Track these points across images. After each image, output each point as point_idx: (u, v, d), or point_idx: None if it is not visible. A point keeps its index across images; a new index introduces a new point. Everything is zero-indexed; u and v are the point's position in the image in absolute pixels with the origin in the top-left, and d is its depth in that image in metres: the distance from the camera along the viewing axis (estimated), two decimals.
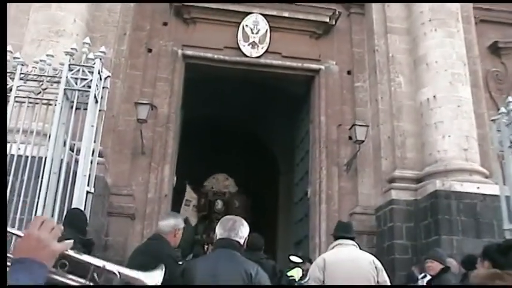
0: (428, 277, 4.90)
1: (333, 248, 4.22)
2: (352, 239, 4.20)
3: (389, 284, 4.10)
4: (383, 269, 4.10)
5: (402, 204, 8.82)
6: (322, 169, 10.20)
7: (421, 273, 6.49)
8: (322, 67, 10.86)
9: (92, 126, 5.05)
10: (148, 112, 9.37)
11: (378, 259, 4.21)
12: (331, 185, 10.09)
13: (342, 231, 4.26)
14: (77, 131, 5.26)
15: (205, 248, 14.47)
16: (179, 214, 3.74)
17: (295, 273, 8.08)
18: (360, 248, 4.35)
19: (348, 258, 4.07)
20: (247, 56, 10.63)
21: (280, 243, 15.23)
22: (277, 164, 16.78)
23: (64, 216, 4.27)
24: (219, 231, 2.91)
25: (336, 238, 4.23)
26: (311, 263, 8.41)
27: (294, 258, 8.61)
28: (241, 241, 2.89)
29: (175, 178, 10.39)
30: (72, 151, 5.49)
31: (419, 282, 6.15)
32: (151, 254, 3.26)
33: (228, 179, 17.55)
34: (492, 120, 7.74)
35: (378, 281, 3.99)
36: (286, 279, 7.93)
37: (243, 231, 2.91)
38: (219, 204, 17.44)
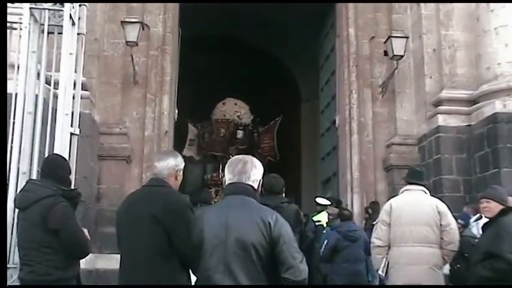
0: (484, 220, 4.88)
1: (402, 193, 5.17)
2: (422, 185, 5.11)
3: (453, 226, 4.92)
4: (448, 212, 4.94)
5: (451, 131, 8.72)
6: (352, 92, 10.17)
7: (475, 215, 6.44)
8: None
9: (71, 53, 4.90)
10: (139, 33, 9.21)
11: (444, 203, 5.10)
12: (364, 111, 10.08)
13: (410, 177, 5.21)
14: (53, 60, 5.11)
15: (216, 192, 14.60)
16: (176, 152, 3.65)
17: (323, 218, 8.19)
18: (431, 194, 5.21)
19: (411, 203, 5.00)
20: None
21: (305, 182, 15.42)
22: (299, 88, 16.65)
23: (42, 165, 4.23)
24: (228, 176, 2.91)
25: (407, 183, 5.19)
26: (339, 205, 8.58)
27: (320, 200, 8.74)
28: (255, 185, 2.89)
29: (176, 111, 10.40)
30: (49, 85, 5.39)
31: (473, 226, 6.12)
32: (164, 206, 3.20)
33: (237, 104, 17.14)
34: None
35: (441, 224, 4.86)
36: (312, 225, 8.07)
37: (255, 173, 2.90)
38: (206, 137, 17.03)
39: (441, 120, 8.83)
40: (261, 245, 2.65)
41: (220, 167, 15.24)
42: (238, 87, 16.60)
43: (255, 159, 2.96)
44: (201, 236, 2.75)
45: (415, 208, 4.94)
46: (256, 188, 2.90)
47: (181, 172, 3.49)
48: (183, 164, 3.50)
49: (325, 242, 7.16)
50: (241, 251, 2.65)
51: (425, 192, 5.10)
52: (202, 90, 15.48)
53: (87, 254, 4.08)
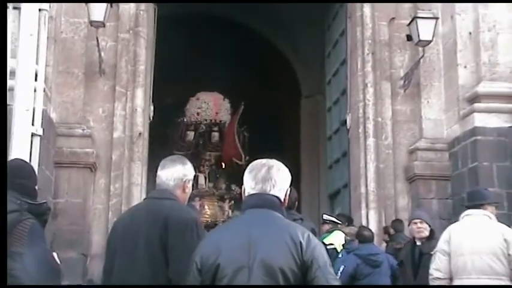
0: None
1: (462, 218, 5.63)
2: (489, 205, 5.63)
3: None
4: None
5: (491, 133, 8.71)
6: (367, 86, 10.17)
7: None
8: None
9: (31, 35, 4.88)
10: (107, 10, 9.13)
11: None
12: (382, 110, 10.09)
13: (470, 200, 5.77)
14: (8, 43, 5.11)
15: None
16: (185, 158, 3.69)
17: (336, 240, 8.20)
18: (499, 220, 5.64)
19: (473, 230, 5.44)
20: None
21: (306, 197, 15.41)
22: (298, 81, 16.64)
23: None
24: (249, 184, 2.92)
25: (466, 207, 5.70)
26: (351, 224, 8.58)
27: (329, 218, 8.79)
28: (281, 195, 2.92)
29: (152, 108, 10.39)
30: None
31: None
32: (169, 226, 3.27)
33: (199, 99, 16.77)
34: None
35: (508, 254, 5.20)
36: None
37: (282, 180, 2.93)
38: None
39: (478, 120, 8.82)
40: (291, 270, 2.64)
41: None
42: (221, 79, 16.57)
43: (281, 164, 2.98)
44: (216, 259, 2.72)
45: (478, 235, 5.36)
46: (283, 199, 2.92)
47: (191, 184, 3.52)
48: (193, 174, 3.52)
49: (341, 268, 7.15)
50: (268, 276, 2.64)
51: (490, 218, 5.49)
52: (182, 82, 15.43)
53: (59, 284, 4.05)
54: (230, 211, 14.58)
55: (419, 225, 6.75)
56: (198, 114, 15.89)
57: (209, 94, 16.08)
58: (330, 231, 8.43)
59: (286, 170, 2.98)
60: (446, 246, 5.44)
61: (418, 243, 6.74)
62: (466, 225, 5.52)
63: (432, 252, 5.92)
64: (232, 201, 14.83)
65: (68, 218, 8.84)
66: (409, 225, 7.10)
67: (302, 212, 14.90)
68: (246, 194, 2.92)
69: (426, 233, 6.69)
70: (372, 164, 9.86)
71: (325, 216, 9.01)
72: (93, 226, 9.16)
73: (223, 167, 15.52)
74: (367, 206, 9.73)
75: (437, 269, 5.47)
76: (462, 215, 5.64)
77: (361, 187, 9.88)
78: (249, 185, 2.91)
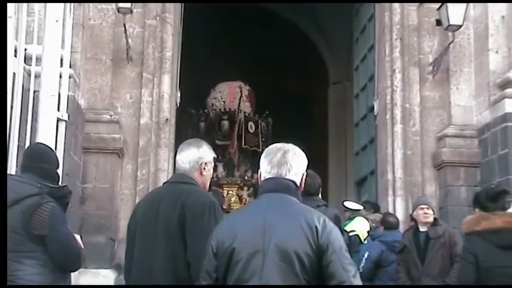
0: None
1: None
2: None
3: None
4: None
5: None
6: (395, 72, 10.09)
7: None
8: None
9: (57, 21, 4.93)
10: None
11: None
12: (410, 96, 10.00)
13: None
14: (33, 30, 5.18)
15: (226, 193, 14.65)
16: (202, 141, 3.70)
17: (358, 226, 8.16)
18: None
19: None
20: None
21: (333, 183, 15.43)
22: (326, 67, 16.59)
23: (22, 156, 4.25)
24: (264, 168, 2.95)
25: None
26: (377, 211, 8.54)
27: (350, 204, 8.78)
28: (297, 179, 2.94)
29: (179, 94, 10.42)
30: (25, 61, 5.43)
31: None
32: (184, 206, 3.32)
33: (215, 90, 16.71)
34: None
35: None
36: (346, 236, 8.03)
37: (298, 164, 2.96)
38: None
39: (510, 105, 8.69)
40: (306, 254, 2.66)
41: None
42: (248, 67, 16.58)
43: (297, 148, 2.99)
44: (231, 243, 2.75)
45: None
46: (298, 184, 2.94)
47: (210, 166, 3.56)
48: (212, 156, 3.56)
49: (365, 255, 7.13)
50: (282, 261, 2.66)
51: None
52: (206, 68, 15.49)
53: (79, 267, 4.11)
54: (248, 198, 14.65)
55: (426, 211, 6.79)
56: (213, 104, 16.04)
57: (226, 84, 16.16)
58: (351, 218, 8.40)
59: (302, 154, 2.99)
60: None
61: (422, 228, 6.78)
62: None
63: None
64: (251, 189, 14.89)
65: (96, 203, 8.92)
66: (413, 211, 7.09)
67: (329, 198, 15.01)
68: (262, 179, 2.94)
69: (431, 219, 6.74)
70: (399, 150, 9.81)
71: (346, 203, 9.00)
72: (120, 211, 9.21)
73: (238, 155, 15.59)
74: (394, 193, 9.68)
75: None
76: None
77: (388, 174, 9.83)
78: (265, 169, 2.93)
